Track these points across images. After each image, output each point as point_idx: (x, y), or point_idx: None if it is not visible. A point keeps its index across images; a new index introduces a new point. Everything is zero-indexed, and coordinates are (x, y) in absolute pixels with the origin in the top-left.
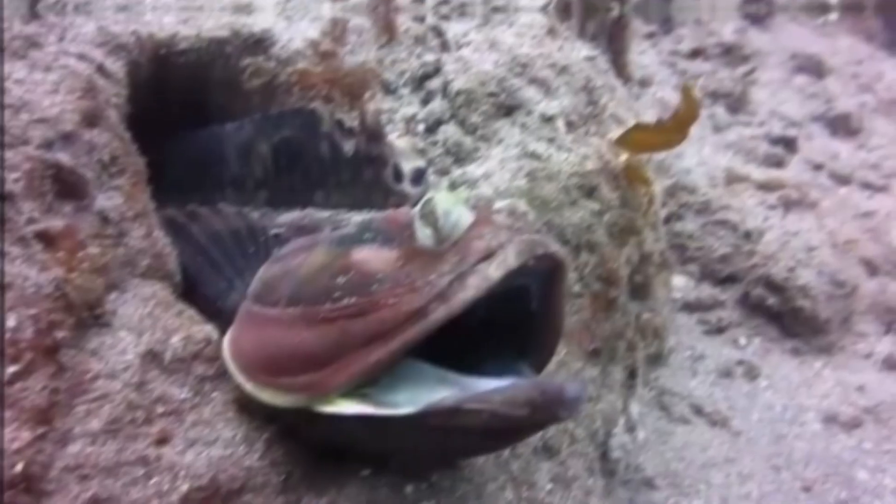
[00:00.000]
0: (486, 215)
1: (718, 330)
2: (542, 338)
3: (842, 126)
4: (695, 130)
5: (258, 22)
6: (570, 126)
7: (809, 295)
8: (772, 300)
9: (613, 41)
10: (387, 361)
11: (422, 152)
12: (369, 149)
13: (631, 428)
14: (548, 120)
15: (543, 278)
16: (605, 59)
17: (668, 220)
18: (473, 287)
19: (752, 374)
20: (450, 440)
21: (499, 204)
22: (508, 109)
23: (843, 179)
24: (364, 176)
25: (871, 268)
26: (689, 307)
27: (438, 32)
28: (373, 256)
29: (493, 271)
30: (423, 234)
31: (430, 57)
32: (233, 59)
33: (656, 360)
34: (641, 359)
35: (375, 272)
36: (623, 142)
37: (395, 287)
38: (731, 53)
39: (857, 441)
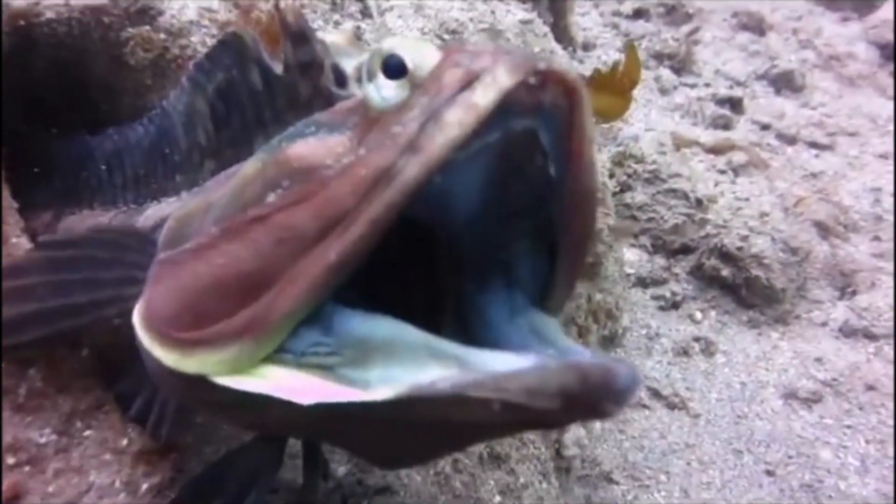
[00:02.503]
0: (458, 45)
1: (673, 305)
2: (568, 233)
3: (785, 84)
4: (641, 94)
5: None
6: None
7: (763, 264)
8: (726, 271)
9: (554, 2)
10: (350, 254)
11: (362, 43)
12: (298, 55)
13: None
14: None
15: (556, 127)
16: (543, 23)
17: (617, 191)
18: (454, 123)
19: (709, 350)
20: (439, 435)
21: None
22: None
23: (789, 139)
24: (300, 92)
25: (822, 230)
26: (643, 282)
27: None
28: (316, 145)
29: (480, 96)
30: (378, 96)
31: (348, 24)
32: (113, 30)
33: (610, 341)
34: (595, 343)
35: (322, 162)
36: None
37: (347, 160)
38: (674, 12)
39: (817, 417)
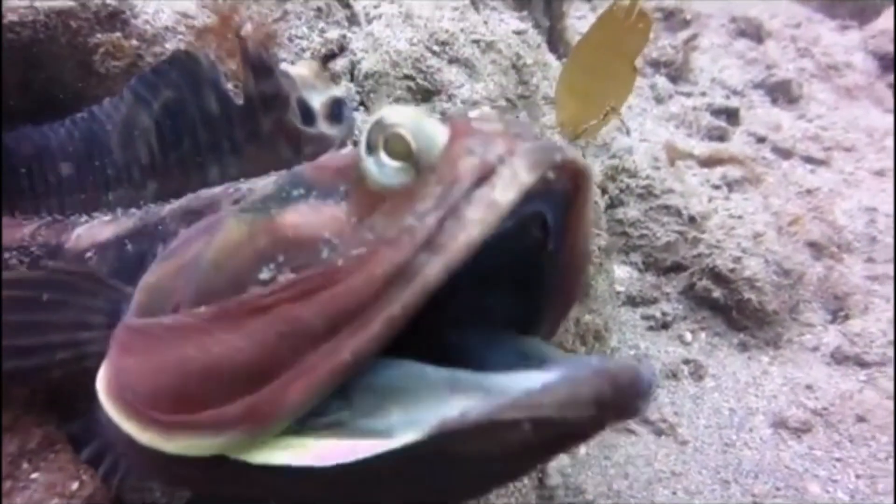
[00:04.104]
0: (465, 123)
1: (663, 326)
2: (558, 292)
3: (782, 93)
4: (636, 102)
5: None
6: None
7: (756, 286)
8: (717, 292)
9: (549, 5)
10: (364, 354)
11: (331, 78)
12: (260, 86)
13: None
14: (472, 106)
15: (558, 204)
16: (537, 32)
17: (608, 206)
18: (476, 221)
19: (698, 373)
20: (472, 469)
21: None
22: (426, 94)
23: (785, 153)
24: (262, 127)
25: (816, 250)
26: (632, 301)
27: (345, 3)
28: (311, 216)
29: (501, 194)
30: (379, 172)
31: (334, 33)
32: (82, 35)
33: None
34: None
35: (320, 236)
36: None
37: (355, 248)
38: (671, 18)
39: (807, 448)
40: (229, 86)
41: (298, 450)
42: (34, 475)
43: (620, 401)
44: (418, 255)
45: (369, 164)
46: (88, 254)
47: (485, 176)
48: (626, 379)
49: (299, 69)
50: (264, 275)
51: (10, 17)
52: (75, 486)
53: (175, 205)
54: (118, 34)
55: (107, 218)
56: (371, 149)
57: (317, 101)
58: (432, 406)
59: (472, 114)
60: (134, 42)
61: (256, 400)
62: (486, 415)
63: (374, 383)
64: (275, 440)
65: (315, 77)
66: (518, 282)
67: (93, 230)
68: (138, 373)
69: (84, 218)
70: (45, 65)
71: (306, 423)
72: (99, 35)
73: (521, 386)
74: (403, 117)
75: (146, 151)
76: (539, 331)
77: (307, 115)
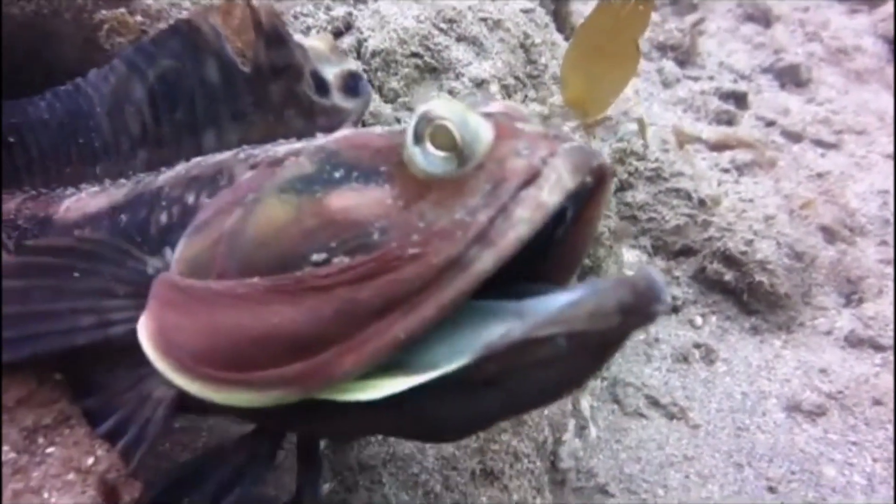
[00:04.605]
0: (508, 123)
1: (673, 309)
2: (562, 260)
3: (791, 78)
4: (643, 87)
5: None
6: (506, 90)
7: (768, 269)
8: (729, 275)
9: None
10: (416, 334)
11: (344, 53)
12: (272, 57)
13: (582, 427)
14: (480, 84)
15: (581, 198)
16: (545, 12)
17: (617, 189)
18: (525, 220)
19: (709, 357)
20: (514, 388)
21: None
22: (434, 72)
23: (795, 136)
24: (271, 95)
25: (829, 234)
26: None
27: None
28: (358, 199)
29: (548, 196)
30: (426, 161)
31: (340, 10)
32: (86, 11)
33: None
34: None
35: (370, 219)
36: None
37: (408, 235)
38: (679, 2)
39: (822, 432)
40: (235, 55)
41: (356, 391)
42: (50, 449)
43: (642, 305)
44: (471, 248)
45: (416, 153)
46: (80, 225)
47: (532, 177)
48: (644, 285)
49: (313, 41)
50: (317, 256)
51: None
52: (91, 461)
53: (172, 172)
54: (123, 10)
55: (95, 189)
56: (418, 138)
57: (331, 73)
58: (474, 333)
59: (496, 106)
60: (139, 18)
61: (309, 366)
62: (525, 333)
63: None
64: (341, 388)
65: (330, 50)
66: (527, 256)
67: (82, 202)
68: (189, 331)
69: (71, 190)
70: (50, 41)
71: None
72: (104, 11)
73: (552, 306)
74: (449, 111)
75: (137, 121)
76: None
77: (321, 86)
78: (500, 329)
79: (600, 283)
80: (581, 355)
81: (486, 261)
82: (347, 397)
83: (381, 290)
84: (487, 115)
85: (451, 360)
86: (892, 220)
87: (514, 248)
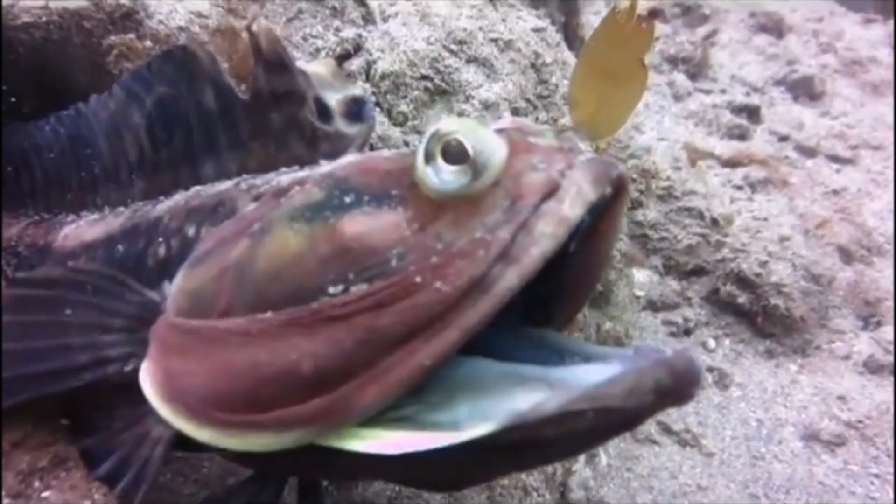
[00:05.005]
0: (521, 138)
1: (685, 332)
2: (574, 288)
3: (804, 90)
4: (654, 100)
5: None
6: (517, 112)
7: (783, 292)
8: (743, 297)
9: (565, 1)
10: (441, 359)
11: (348, 77)
12: (272, 83)
13: (593, 455)
14: (490, 106)
15: (596, 209)
16: (556, 29)
17: (628, 208)
18: (548, 235)
19: (723, 382)
20: (534, 454)
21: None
22: (444, 95)
23: (809, 152)
24: (272, 122)
25: (846, 254)
26: (653, 306)
27: (361, 2)
28: (372, 224)
29: (569, 209)
30: (438, 179)
31: (349, 32)
32: (95, 36)
33: None
34: None
35: (386, 245)
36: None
37: (427, 257)
38: (690, 13)
39: (841, 462)
40: (233, 82)
41: (369, 440)
42: (45, 493)
43: (678, 388)
44: (494, 267)
45: (428, 172)
46: (76, 254)
47: (551, 191)
48: (682, 367)
49: (316, 67)
50: (335, 286)
51: (23, 17)
52: None
53: (171, 202)
54: (132, 35)
55: (94, 217)
56: (429, 157)
57: (334, 98)
58: (500, 399)
59: (506, 122)
60: (147, 43)
61: (329, 401)
62: (560, 406)
63: (441, 377)
64: (346, 429)
65: (333, 75)
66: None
67: (80, 230)
68: (199, 375)
69: (71, 217)
70: (59, 66)
71: (379, 416)
72: (112, 36)
73: (584, 379)
74: (460, 126)
75: (135, 149)
76: (551, 323)
77: (324, 112)
78: (530, 397)
79: (638, 360)
80: (606, 428)
81: (510, 279)
82: (362, 448)
83: (402, 317)
84: (499, 131)
85: (475, 424)
86: None
87: (538, 265)
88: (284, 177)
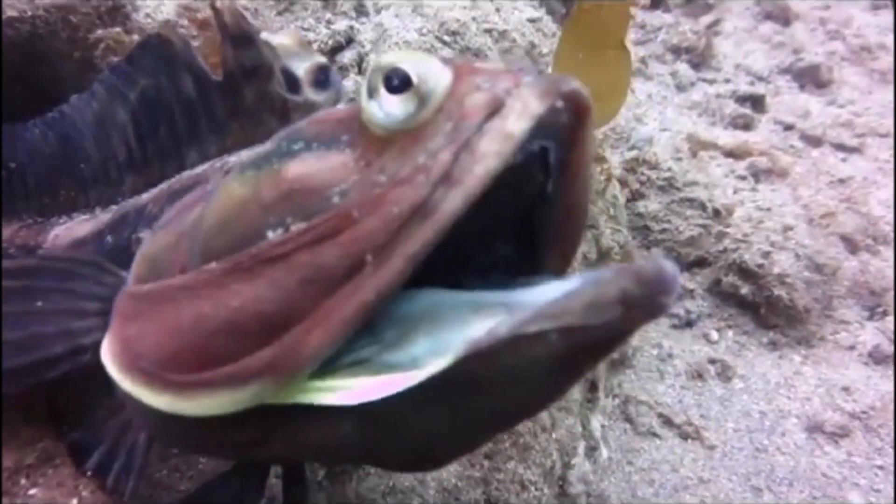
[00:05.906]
0: (466, 63)
1: (687, 324)
2: (560, 233)
3: (811, 79)
4: (656, 90)
5: None
6: None
7: (787, 282)
8: (745, 288)
9: None
10: (387, 292)
11: (339, 71)
12: (240, 58)
13: (593, 448)
14: None
15: (560, 141)
16: (552, 19)
17: (629, 199)
18: (492, 153)
19: (725, 374)
20: (504, 392)
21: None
22: None
23: (815, 141)
24: (245, 100)
25: (851, 244)
26: None
27: None
28: (318, 165)
29: (514, 124)
30: (382, 112)
31: (342, 24)
32: (82, 30)
33: (620, 362)
34: (603, 367)
35: (329, 183)
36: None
37: (370, 191)
38: (693, 2)
39: (845, 454)
40: (206, 64)
41: (326, 392)
42: (32, 491)
43: (648, 297)
44: (435, 191)
45: (372, 107)
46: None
47: (495, 109)
48: (651, 273)
49: (281, 38)
50: (275, 227)
51: (9, 12)
52: (74, 502)
53: (156, 190)
54: (119, 29)
55: (85, 217)
56: (372, 92)
57: (301, 68)
58: (457, 329)
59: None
60: (135, 37)
61: (277, 350)
62: (513, 328)
63: (398, 315)
64: (301, 384)
65: (297, 44)
66: (520, 233)
67: (71, 230)
68: (151, 336)
69: (63, 219)
70: (46, 61)
71: (335, 362)
72: (99, 30)
73: (544, 297)
74: (401, 55)
75: (123, 146)
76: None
77: (292, 83)
78: (487, 323)
79: (601, 272)
80: (577, 354)
81: (453, 201)
82: (318, 399)
83: (343, 249)
84: (445, 60)
85: (433, 360)
86: None
87: (482, 185)
88: (254, 150)
